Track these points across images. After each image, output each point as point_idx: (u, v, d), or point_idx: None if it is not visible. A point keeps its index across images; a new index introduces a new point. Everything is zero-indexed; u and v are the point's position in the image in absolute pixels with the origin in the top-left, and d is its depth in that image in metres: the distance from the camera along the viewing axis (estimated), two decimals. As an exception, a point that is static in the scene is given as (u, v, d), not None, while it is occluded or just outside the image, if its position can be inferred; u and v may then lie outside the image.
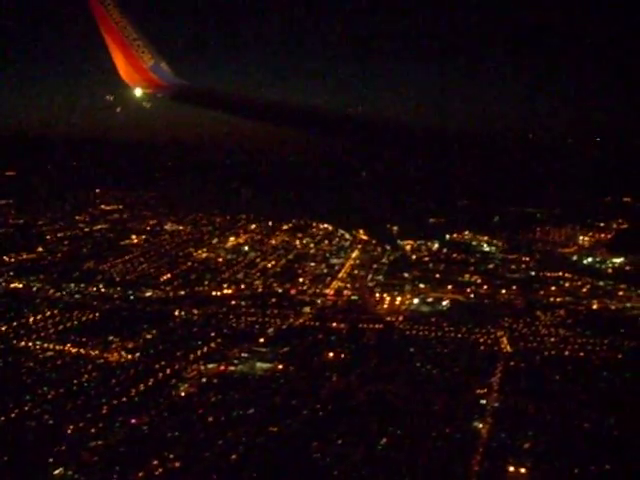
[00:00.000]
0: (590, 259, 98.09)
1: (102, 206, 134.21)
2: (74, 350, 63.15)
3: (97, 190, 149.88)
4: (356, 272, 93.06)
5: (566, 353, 61.73)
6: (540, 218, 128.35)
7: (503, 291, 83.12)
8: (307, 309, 73.55)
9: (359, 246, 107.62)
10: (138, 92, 24.58)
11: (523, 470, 42.27)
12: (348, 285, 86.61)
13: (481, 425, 48.10)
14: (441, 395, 52.97)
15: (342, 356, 60.77)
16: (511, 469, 42.38)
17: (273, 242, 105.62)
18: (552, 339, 65.03)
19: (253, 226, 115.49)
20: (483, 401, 51.84)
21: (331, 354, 60.94)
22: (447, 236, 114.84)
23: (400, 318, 72.03)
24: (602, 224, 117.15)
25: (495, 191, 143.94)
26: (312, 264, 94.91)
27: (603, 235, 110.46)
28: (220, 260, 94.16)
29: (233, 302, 76.69)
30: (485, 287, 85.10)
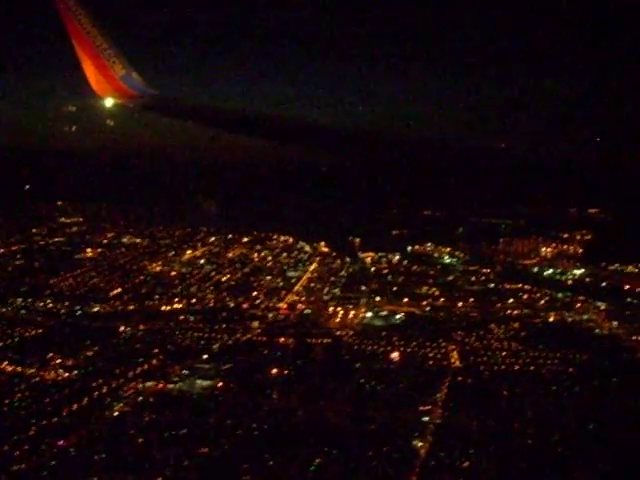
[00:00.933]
0: (551, 270, 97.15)
1: (62, 219, 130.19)
2: (10, 368, 60.31)
3: (59, 202, 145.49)
4: (312, 285, 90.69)
5: (516, 367, 60.19)
6: (505, 229, 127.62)
7: (460, 304, 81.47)
8: (256, 324, 70.88)
9: (318, 259, 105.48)
10: (109, 102, 24.12)
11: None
12: (303, 299, 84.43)
13: (420, 444, 46.17)
14: (382, 412, 51.00)
15: (285, 372, 58.49)
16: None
17: (230, 255, 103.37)
18: (504, 353, 63.46)
19: (212, 239, 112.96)
20: (425, 418, 49.84)
21: (275, 370, 58.62)
22: (409, 248, 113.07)
23: (351, 332, 69.83)
24: (566, 235, 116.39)
25: (461, 202, 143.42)
26: (268, 277, 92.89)
27: (566, 246, 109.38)
28: (173, 274, 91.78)
29: (181, 317, 74.23)
30: (442, 300, 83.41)
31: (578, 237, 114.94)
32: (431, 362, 61.67)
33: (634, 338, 69.76)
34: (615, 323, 74.24)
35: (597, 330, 72.81)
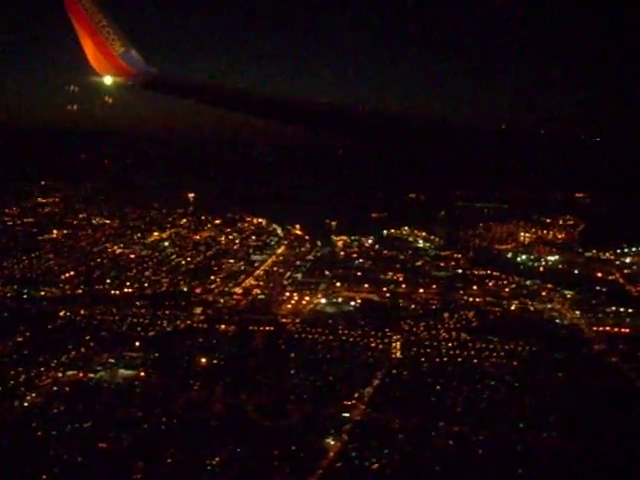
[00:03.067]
0: (524, 257, 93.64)
1: (39, 199, 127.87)
2: None
3: (42, 182, 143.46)
4: (275, 269, 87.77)
5: (459, 360, 56.86)
6: (487, 214, 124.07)
7: (421, 290, 78.26)
8: (198, 310, 67.95)
9: (288, 242, 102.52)
10: (108, 80, 23.37)
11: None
12: (261, 283, 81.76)
13: (333, 442, 43.16)
14: (304, 407, 48.02)
15: (214, 362, 55.66)
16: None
17: (197, 237, 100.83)
18: (450, 344, 60.28)
19: (184, 220, 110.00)
20: (346, 414, 46.78)
21: (203, 360, 55.80)
22: (385, 232, 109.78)
23: (298, 320, 66.88)
24: (548, 220, 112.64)
25: (449, 185, 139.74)
26: (231, 261, 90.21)
27: (545, 232, 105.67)
28: (133, 256, 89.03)
29: (127, 302, 71.20)
30: (404, 286, 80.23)
31: (560, 222, 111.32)
32: (370, 353, 58.72)
33: (594, 329, 66.15)
34: (578, 313, 70.79)
35: (557, 320, 69.54)
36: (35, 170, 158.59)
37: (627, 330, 65.67)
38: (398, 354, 58.26)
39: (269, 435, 44.54)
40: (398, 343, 60.60)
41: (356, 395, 49.81)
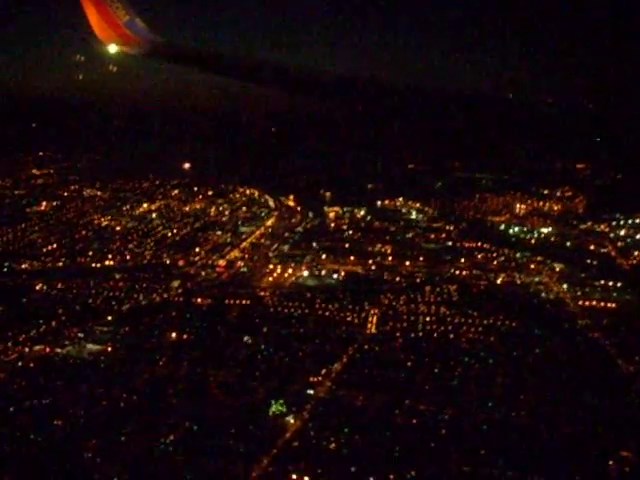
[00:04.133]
0: (517, 229, 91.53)
1: (33, 170, 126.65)
2: None
3: (40, 153, 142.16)
4: (262, 241, 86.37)
5: (434, 335, 55.33)
6: (485, 184, 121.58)
7: (407, 263, 76.55)
8: (176, 283, 66.77)
9: (279, 213, 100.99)
10: (112, 49, 23.55)
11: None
12: (246, 256, 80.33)
13: (293, 420, 41.93)
14: (268, 383, 46.80)
15: (184, 337, 54.51)
16: (294, 477, 35.94)
17: (187, 209, 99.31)
18: (427, 319, 58.65)
19: (175, 192, 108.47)
20: (310, 391, 45.52)
21: (173, 335, 54.67)
22: (379, 203, 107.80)
23: (277, 292, 65.68)
24: (546, 192, 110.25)
25: (450, 154, 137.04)
26: (218, 233, 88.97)
27: (542, 203, 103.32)
28: (119, 228, 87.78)
29: (106, 275, 70.21)
30: (390, 258, 78.57)
31: (558, 194, 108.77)
32: (344, 328, 57.26)
33: (580, 304, 64.32)
34: (565, 286, 68.85)
35: (543, 294, 67.65)
36: (36, 141, 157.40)
37: (613, 305, 63.88)
38: (373, 329, 56.74)
39: (228, 413, 43.08)
40: (375, 317, 59.05)
41: (324, 371, 48.38)
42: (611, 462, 37.58)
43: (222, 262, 77.50)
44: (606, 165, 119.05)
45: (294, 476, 36.35)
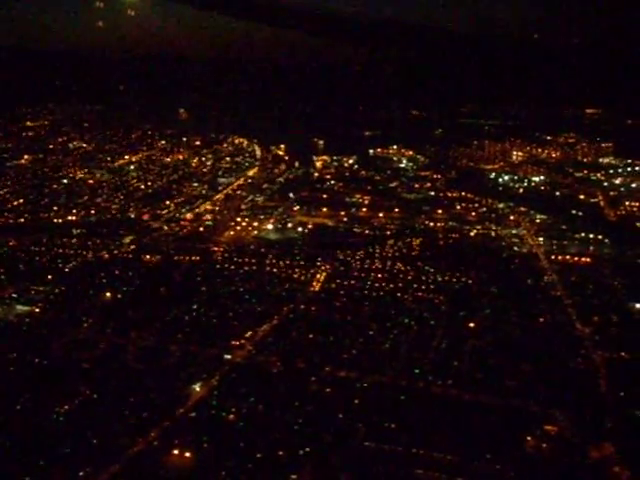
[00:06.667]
0: (507, 177, 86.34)
1: (27, 123, 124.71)
2: None
3: (49, 104, 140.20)
4: (238, 193, 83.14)
5: (380, 294, 51.72)
6: (487, 131, 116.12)
7: (381, 214, 72.64)
8: (127, 239, 64.15)
9: (263, 163, 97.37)
10: None
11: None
12: (217, 208, 77.35)
13: (199, 388, 39.16)
14: (188, 347, 44.19)
15: (119, 297, 51.96)
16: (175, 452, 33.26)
17: (168, 160, 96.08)
18: (379, 275, 54.97)
19: (162, 142, 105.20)
20: (228, 356, 42.68)
21: (109, 294, 52.08)
22: (371, 151, 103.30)
23: (232, 248, 62.77)
24: (549, 138, 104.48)
25: (454, 101, 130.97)
26: (195, 184, 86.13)
27: (541, 150, 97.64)
28: (92, 182, 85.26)
29: (65, 230, 67.96)
30: (365, 210, 74.74)
31: (561, 140, 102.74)
32: (287, 285, 54.06)
33: (552, 258, 59.77)
34: (542, 239, 64.21)
35: (516, 247, 63.14)
36: (41, 92, 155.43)
37: (588, 259, 59.27)
38: (317, 287, 53.16)
39: (137, 379, 40.44)
40: (324, 274, 55.43)
41: (249, 334, 45.21)
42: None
43: (189, 215, 74.41)
44: (617, 111, 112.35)
45: (175, 451, 33.21)
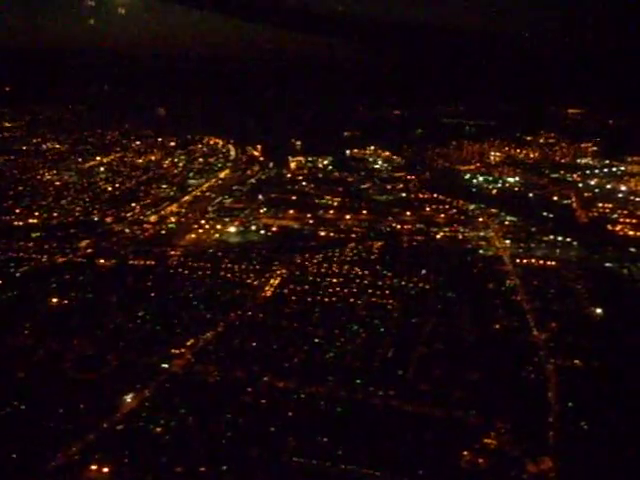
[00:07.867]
0: (482, 178, 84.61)
1: (5, 123, 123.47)
2: None
3: (21, 105, 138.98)
4: (207, 195, 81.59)
5: (332, 299, 50.09)
6: (468, 131, 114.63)
7: (348, 217, 70.99)
8: (84, 243, 62.54)
9: (236, 164, 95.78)
10: None
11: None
12: (182, 211, 75.70)
13: (130, 400, 37.51)
14: (126, 355, 42.44)
15: (65, 302, 50.38)
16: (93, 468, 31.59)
17: (140, 161, 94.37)
18: (334, 280, 53.39)
19: (137, 142, 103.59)
20: (165, 365, 41.16)
21: (55, 300, 50.54)
22: (348, 151, 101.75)
23: (189, 251, 61.35)
24: (529, 138, 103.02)
25: (438, 100, 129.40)
26: (163, 186, 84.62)
27: (519, 150, 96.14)
28: (59, 184, 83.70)
29: (23, 234, 66.40)
30: (332, 212, 73.15)
31: (541, 140, 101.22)
32: (239, 291, 52.44)
33: (517, 262, 58.20)
34: (509, 242, 62.65)
35: (481, 251, 61.53)
36: (24, 92, 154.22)
37: (553, 263, 57.45)
38: (269, 292, 51.48)
39: (70, 389, 38.85)
40: (278, 279, 53.77)
41: (190, 342, 43.57)
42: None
43: (153, 218, 72.82)
44: (600, 110, 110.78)
45: (93, 466, 31.59)
